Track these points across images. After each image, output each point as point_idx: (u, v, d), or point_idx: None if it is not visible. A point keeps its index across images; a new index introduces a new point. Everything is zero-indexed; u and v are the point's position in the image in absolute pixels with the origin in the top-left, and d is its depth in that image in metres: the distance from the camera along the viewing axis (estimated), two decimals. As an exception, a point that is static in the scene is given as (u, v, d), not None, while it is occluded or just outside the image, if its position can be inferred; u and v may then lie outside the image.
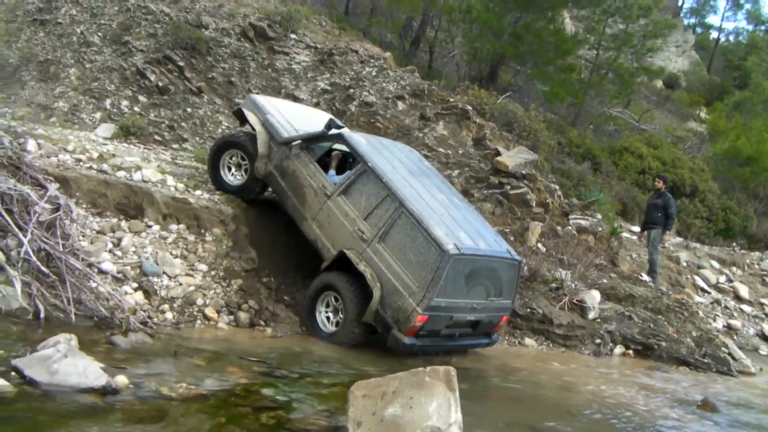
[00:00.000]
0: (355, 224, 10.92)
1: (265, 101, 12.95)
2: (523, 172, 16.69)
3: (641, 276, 16.93)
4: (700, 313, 16.51)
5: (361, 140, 11.69)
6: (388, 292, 10.49)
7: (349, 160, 12.33)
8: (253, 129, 12.25)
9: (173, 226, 11.63)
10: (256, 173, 12.11)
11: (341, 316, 10.84)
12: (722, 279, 20.00)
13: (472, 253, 10.61)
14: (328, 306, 11.07)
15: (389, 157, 11.58)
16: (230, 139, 12.78)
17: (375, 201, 10.88)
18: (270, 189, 12.41)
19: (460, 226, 10.89)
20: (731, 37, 62.94)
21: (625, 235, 19.47)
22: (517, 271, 11.70)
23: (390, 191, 10.77)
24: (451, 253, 10.16)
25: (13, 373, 6.89)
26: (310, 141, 11.89)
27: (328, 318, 11.05)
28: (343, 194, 11.19)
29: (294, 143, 11.87)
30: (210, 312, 10.69)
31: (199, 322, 10.51)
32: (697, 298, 18.16)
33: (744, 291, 19.50)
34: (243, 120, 12.74)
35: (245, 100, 13.00)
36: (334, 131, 11.58)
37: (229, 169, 12.53)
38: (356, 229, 10.89)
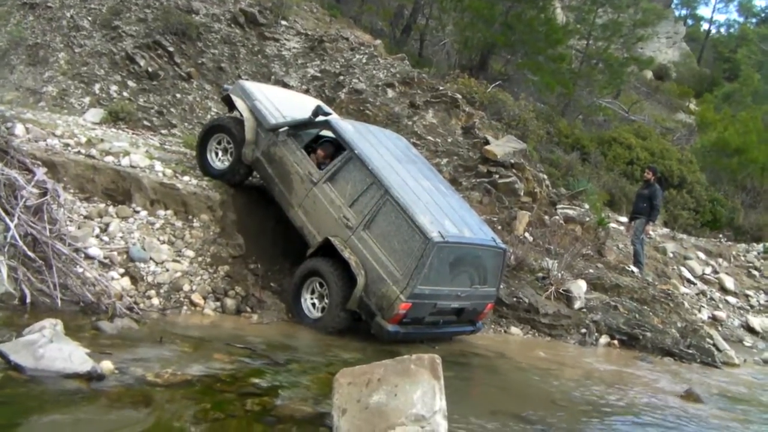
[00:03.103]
0: (341, 211, 10.93)
1: (254, 87, 12.92)
2: (512, 161, 16.70)
3: (628, 266, 16.98)
4: (686, 304, 16.60)
5: (347, 127, 11.69)
6: (372, 279, 10.52)
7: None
8: (241, 115, 12.25)
9: (161, 212, 11.64)
10: (244, 159, 12.11)
11: (326, 302, 10.86)
12: (708, 270, 20.07)
13: (456, 241, 10.63)
14: (313, 292, 11.09)
15: (376, 144, 11.58)
16: (217, 122, 12.83)
17: (360, 188, 10.89)
18: (256, 174, 12.43)
19: (446, 214, 10.91)
20: (722, 29, 63.37)
21: (612, 225, 19.53)
22: (502, 259, 11.71)
23: (375, 178, 10.78)
24: (435, 240, 10.19)
25: (-2, 358, 6.91)
26: (297, 128, 11.89)
27: (313, 304, 11.07)
28: (329, 181, 11.20)
29: (281, 130, 11.87)
30: (196, 298, 10.71)
31: (185, 308, 10.54)
32: (683, 289, 18.23)
33: (729, 282, 19.57)
34: (231, 106, 12.69)
35: (234, 86, 12.97)
36: (321, 118, 11.59)
37: (216, 153, 12.54)
38: (341, 216, 10.91)
